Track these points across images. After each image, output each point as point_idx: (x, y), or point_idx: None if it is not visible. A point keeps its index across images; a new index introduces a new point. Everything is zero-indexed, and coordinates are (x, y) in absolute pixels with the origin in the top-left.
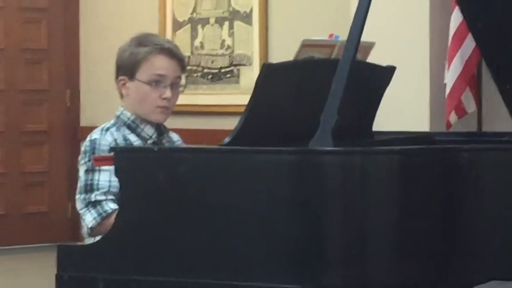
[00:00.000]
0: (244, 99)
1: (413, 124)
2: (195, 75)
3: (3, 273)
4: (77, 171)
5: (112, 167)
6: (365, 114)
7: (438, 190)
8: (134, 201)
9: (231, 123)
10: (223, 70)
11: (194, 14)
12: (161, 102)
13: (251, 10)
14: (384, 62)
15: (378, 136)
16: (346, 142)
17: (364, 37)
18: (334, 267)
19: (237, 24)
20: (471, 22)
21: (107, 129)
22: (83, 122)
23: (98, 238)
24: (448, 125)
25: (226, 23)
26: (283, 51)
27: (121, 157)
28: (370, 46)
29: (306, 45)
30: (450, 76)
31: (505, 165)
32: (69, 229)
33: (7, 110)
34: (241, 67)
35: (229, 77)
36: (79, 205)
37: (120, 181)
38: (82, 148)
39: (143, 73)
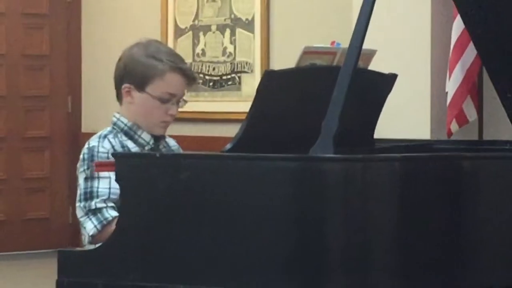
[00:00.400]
0: (245, 106)
1: (414, 132)
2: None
3: (3, 279)
4: (76, 178)
5: (111, 174)
6: (366, 121)
7: (439, 198)
8: (134, 207)
9: (232, 130)
10: (224, 77)
11: (196, 21)
12: (166, 118)
13: (252, 18)
14: (385, 70)
15: (379, 143)
16: (347, 150)
17: (366, 45)
18: (336, 276)
19: (239, 31)
20: (471, 28)
21: (105, 136)
22: (85, 128)
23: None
24: (449, 133)
25: (228, 30)
26: (285, 58)
27: (122, 163)
28: (371, 53)
29: (308, 52)
30: (452, 85)
31: (506, 174)
32: (69, 235)
33: (9, 116)
34: (243, 74)
35: (231, 84)
36: (79, 213)
37: (120, 187)
38: (81, 156)
39: (156, 89)
